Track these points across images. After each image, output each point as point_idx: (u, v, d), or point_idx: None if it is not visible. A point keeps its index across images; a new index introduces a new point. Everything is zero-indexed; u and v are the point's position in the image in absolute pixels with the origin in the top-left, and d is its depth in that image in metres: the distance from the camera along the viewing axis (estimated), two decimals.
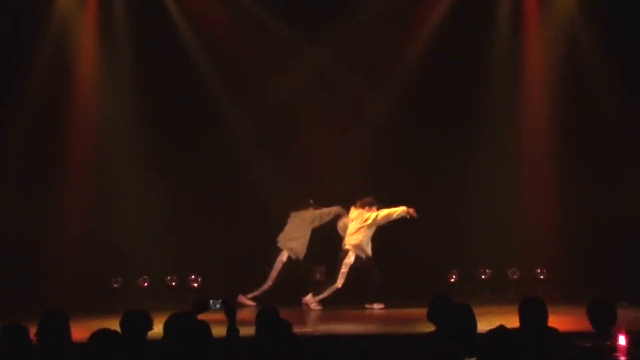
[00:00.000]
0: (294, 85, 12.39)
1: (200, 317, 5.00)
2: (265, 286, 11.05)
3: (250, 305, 10.78)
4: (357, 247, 10.81)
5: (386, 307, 10.66)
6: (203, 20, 12.39)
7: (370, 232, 10.89)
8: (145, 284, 11.88)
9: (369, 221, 10.82)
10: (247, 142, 12.50)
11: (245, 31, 12.36)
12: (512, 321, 5.27)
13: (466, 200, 12.05)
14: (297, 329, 5.28)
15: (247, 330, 5.48)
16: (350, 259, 10.81)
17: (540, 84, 12.46)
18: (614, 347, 5.12)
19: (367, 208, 10.93)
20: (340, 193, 11.43)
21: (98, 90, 12.33)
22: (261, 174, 12.23)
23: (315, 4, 12.25)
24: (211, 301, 5.32)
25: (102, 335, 4.60)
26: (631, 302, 9.00)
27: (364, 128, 12.42)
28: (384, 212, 10.84)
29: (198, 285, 11.78)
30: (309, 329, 8.87)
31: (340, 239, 11.05)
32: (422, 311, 5.92)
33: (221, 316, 5.35)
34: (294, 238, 11.17)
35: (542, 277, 11.69)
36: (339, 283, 10.78)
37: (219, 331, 5.14)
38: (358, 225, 10.86)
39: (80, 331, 5.57)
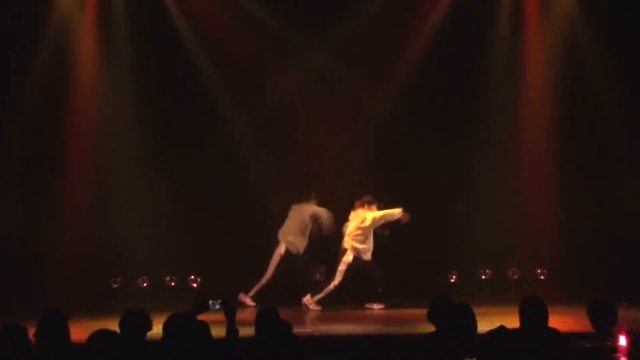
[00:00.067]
0: (294, 85, 12.39)
1: (200, 317, 4.99)
2: (264, 280, 11.04)
3: (251, 306, 10.77)
4: (356, 250, 10.81)
5: (386, 308, 10.66)
6: (203, 20, 12.39)
7: (370, 234, 10.88)
8: (145, 284, 11.87)
9: (367, 223, 10.80)
10: (247, 142, 12.49)
11: (245, 31, 12.35)
12: (513, 321, 5.26)
13: (466, 200, 12.04)
14: (296, 330, 5.27)
15: (246, 331, 5.47)
16: (348, 257, 10.81)
17: (540, 84, 12.46)
18: (615, 348, 5.12)
19: (366, 207, 10.92)
20: (340, 193, 11.43)
21: (98, 90, 12.34)
22: (261, 174, 12.23)
23: (315, 4, 12.25)
24: (210, 301, 5.32)
25: (101, 335, 4.59)
26: (631, 302, 8.98)
27: (364, 128, 12.42)
28: (379, 213, 10.82)
29: (197, 286, 11.77)
30: (308, 329, 8.87)
31: (339, 239, 11.04)
32: (422, 311, 5.91)
33: (221, 316, 5.34)
34: (293, 232, 11.16)
35: (542, 277, 11.68)
36: (336, 281, 10.78)
37: (218, 332, 5.13)
38: (356, 225, 10.85)
39: (79, 331, 5.56)
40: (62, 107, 12.11)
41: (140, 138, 12.22)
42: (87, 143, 12.24)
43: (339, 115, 12.41)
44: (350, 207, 11.07)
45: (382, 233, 11.00)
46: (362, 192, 11.14)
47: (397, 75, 12.44)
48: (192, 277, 11.82)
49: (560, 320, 6.41)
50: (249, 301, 10.93)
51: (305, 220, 11.13)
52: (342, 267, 10.79)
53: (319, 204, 11.27)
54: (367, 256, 10.87)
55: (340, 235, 11.04)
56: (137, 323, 5.28)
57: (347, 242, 10.88)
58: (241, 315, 5.38)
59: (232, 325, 5.30)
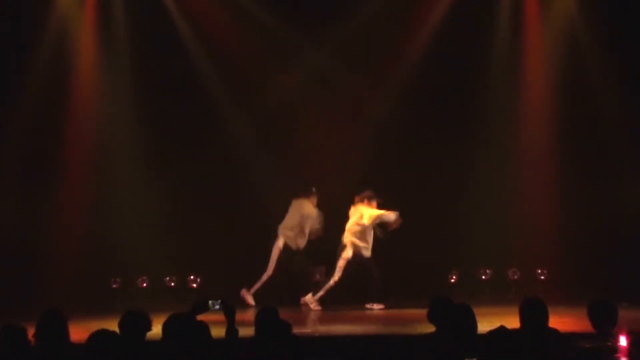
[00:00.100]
0: (294, 85, 12.39)
1: (200, 317, 4.99)
2: (265, 277, 11.03)
3: (251, 305, 10.76)
4: (355, 245, 10.81)
5: (386, 308, 10.65)
6: (203, 20, 12.38)
7: (369, 231, 10.87)
8: (145, 285, 11.86)
9: (364, 220, 10.79)
10: (247, 142, 12.49)
11: (245, 31, 12.35)
12: (513, 322, 5.25)
13: (466, 200, 12.04)
14: (296, 330, 5.27)
15: (246, 331, 5.47)
16: (348, 253, 10.81)
17: (540, 84, 12.46)
18: (615, 348, 5.11)
19: (365, 202, 10.91)
20: (340, 193, 11.42)
21: (98, 90, 12.33)
22: (261, 174, 12.22)
23: (315, 4, 12.25)
24: (210, 302, 5.31)
25: (100, 336, 4.59)
26: (632, 302, 8.98)
27: (364, 128, 12.41)
28: (375, 212, 10.80)
29: (197, 286, 11.76)
30: (308, 329, 8.86)
31: (339, 238, 11.03)
32: (422, 312, 5.91)
33: (220, 317, 5.33)
34: (292, 227, 11.15)
35: (542, 277, 11.67)
36: (336, 277, 10.78)
37: (218, 332, 5.12)
38: (355, 221, 10.85)
39: (79, 332, 5.56)
40: (61, 107, 12.11)
41: (140, 138, 12.21)
42: (87, 143, 12.23)
43: (339, 115, 12.41)
44: (351, 207, 11.07)
45: (380, 234, 10.99)
46: (363, 191, 11.13)
47: (397, 75, 12.44)
48: (192, 277, 11.80)
49: (560, 321, 6.41)
50: (250, 299, 10.92)
51: (303, 216, 11.14)
52: (341, 263, 10.80)
53: (319, 201, 11.26)
54: (367, 253, 10.86)
55: (339, 234, 11.03)
56: (136, 323, 5.27)
57: (347, 238, 10.88)
58: (241, 315, 5.37)
59: (232, 326, 5.29)
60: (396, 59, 12.44)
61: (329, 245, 11.18)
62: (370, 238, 10.90)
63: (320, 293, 10.84)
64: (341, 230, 11.01)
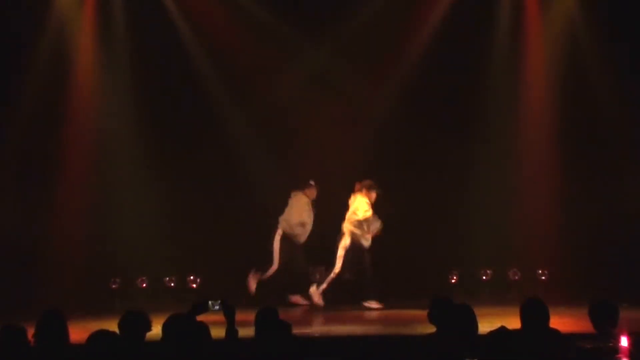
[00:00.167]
0: (294, 85, 12.38)
1: (199, 318, 4.98)
2: (271, 270, 11.06)
3: (252, 292, 10.82)
4: (353, 234, 10.78)
5: (386, 308, 10.62)
6: (203, 20, 12.37)
7: (366, 223, 10.82)
8: (144, 285, 11.84)
9: (358, 214, 10.76)
10: (247, 142, 12.48)
11: (245, 31, 12.34)
12: (513, 322, 5.25)
13: (466, 200, 12.04)
14: (296, 330, 5.25)
15: (246, 331, 5.46)
16: (346, 241, 10.80)
17: (540, 84, 12.46)
18: (616, 349, 5.10)
19: (364, 191, 10.90)
20: (340, 193, 11.41)
21: (97, 90, 12.32)
22: (261, 173, 12.21)
23: (315, 4, 12.24)
24: (210, 302, 5.29)
25: (100, 336, 4.58)
26: (632, 303, 8.96)
27: (364, 128, 12.41)
28: (364, 213, 10.75)
29: (197, 286, 11.74)
30: (308, 329, 8.85)
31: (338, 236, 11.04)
32: (423, 312, 5.90)
33: (220, 317, 5.32)
34: (289, 219, 11.18)
35: (543, 277, 11.66)
36: (337, 268, 10.77)
37: (218, 332, 5.11)
38: (353, 210, 10.84)
39: (78, 332, 5.55)
40: (61, 107, 12.09)
41: (140, 138, 12.20)
42: (87, 143, 12.22)
43: (339, 115, 12.39)
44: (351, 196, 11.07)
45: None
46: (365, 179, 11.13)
47: (397, 75, 12.43)
48: (192, 277, 11.79)
49: (561, 321, 6.40)
50: (253, 285, 10.92)
51: (300, 209, 11.14)
52: (340, 252, 10.80)
53: (319, 195, 11.24)
54: (366, 243, 10.82)
55: (338, 235, 11.03)
56: (136, 324, 5.26)
57: (346, 227, 10.86)
58: (241, 315, 5.36)
59: (231, 326, 5.28)
60: (396, 59, 12.43)
61: (329, 245, 11.17)
62: (369, 228, 10.86)
63: (323, 286, 10.84)
64: (341, 231, 11.01)
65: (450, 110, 12.25)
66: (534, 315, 5.19)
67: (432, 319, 5.71)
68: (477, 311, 5.21)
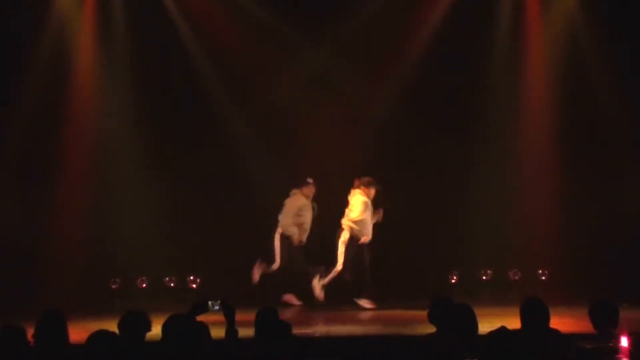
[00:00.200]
0: (294, 85, 12.38)
1: (199, 318, 4.98)
2: (274, 266, 11.05)
3: (255, 281, 10.86)
4: (352, 229, 10.77)
5: (384, 308, 10.59)
6: (203, 20, 12.37)
7: (365, 220, 10.80)
8: (144, 285, 11.84)
9: (354, 212, 10.75)
10: (247, 142, 12.48)
11: (245, 31, 12.34)
12: (513, 322, 5.25)
13: (466, 200, 12.04)
14: (296, 330, 5.26)
15: (246, 331, 5.45)
16: (345, 236, 10.79)
17: (541, 84, 12.46)
18: (616, 349, 5.10)
19: (363, 188, 10.89)
20: (340, 193, 11.40)
21: (97, 90, 12.32)
22: (261, 173, 12.21)
23: (315, 4, 12.24)
24: (210, 302, 5.29)
25: (100, 336, 4.58)
26: (632, 303, 8.96)
27: (364, 128, 12.41)
28: (358, 216, 10.74)
29: (197, 286, 11.74)
30: (308, 329, 8.84)
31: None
32: (423, 312, 5.90)
33: (220, 317, 5.32)
34: (287, 218, 11.16)
35: (543, 277, 11.65)
36: (339, 264, 10.76)
37: (218, 332, 5.11)
38: (350, 208, 10.83)
39: (78, 332, 5.55)
40: (61, 107, 12.10)
41: (140, 138, 12.20)
42: (87, 143, 12.22)
43: (339, 115, 12.39)
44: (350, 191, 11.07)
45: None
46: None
47: (397, 75, 12.43)
48: (192, 277, 11.78)
49: (561, 321, 6.40)
50: (257, 276, 10.94)
51: (299, 208, 11.15)
52: (341, 249, 10.79)
53: (317, 193, 11.24)
54: (364, 238, 10.80)
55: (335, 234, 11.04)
56: (136, 324, 5.26)
57: (345, 223, 10.86)
58: (241, 315, 5.36)
59: (231, 326, 5.28)
60: (396, 59, 12.43)
61: (328, 245, 11.16)
62: (368, 224, 10.85)
63: (326, 280, 10.82)
64: (340, 226, 11.01)
65: (450, 110, 12.25)
66: (534, 315, 5.18)
67: (432, 319, 5.71)
68: (477, 311, 5.21)
